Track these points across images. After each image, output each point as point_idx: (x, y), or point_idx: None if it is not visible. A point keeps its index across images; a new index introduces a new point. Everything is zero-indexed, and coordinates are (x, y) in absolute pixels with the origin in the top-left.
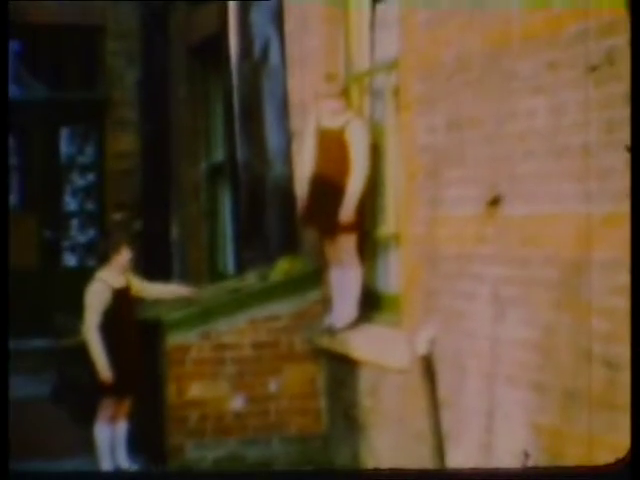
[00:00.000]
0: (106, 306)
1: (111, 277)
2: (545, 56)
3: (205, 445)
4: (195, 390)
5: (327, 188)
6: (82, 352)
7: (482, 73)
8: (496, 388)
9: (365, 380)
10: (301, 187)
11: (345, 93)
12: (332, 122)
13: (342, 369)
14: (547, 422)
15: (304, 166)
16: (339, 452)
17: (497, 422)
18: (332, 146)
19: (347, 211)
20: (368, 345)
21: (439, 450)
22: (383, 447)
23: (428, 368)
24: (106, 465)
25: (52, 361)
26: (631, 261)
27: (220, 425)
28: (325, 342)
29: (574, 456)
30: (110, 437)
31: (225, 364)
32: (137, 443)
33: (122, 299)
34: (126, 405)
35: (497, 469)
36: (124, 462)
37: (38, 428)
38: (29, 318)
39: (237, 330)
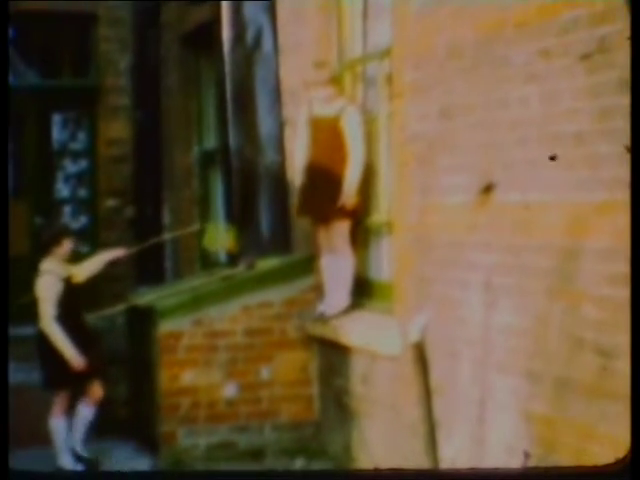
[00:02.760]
0: (59, 297)
1: (57, 268)
2: (538, 44)
3: (197, 432)
4: (187, 377)
5: (322, 176)
6: (41, 346)
7: (474, 61)
8: (488, 376)
9: (357, 367)
10: (295, 176)
11: (336, 80)
12: (325, 110)
13: (334, 356)
14: (539, 410)
15: (298, 155)
16: (331, 439)
17: (489, 410)
18: (326, 134)
19: (347, 198)
20: (360, 332)
21: (431, 437)
22: (375, 434)
23: (420, 355)
24: (64, 459)
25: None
26: (631, 252)
27: (212, 412)
28: (317, 329)
29: (566, 444)
30: (66, 429)
31: (217, 351)
32: (129, 430)
33: (69, 288)
34: (97, 390)
35: (496, 469)
36: (79, 448)
37: (29, 415)
38: (20, 305)
39: (229, 317)
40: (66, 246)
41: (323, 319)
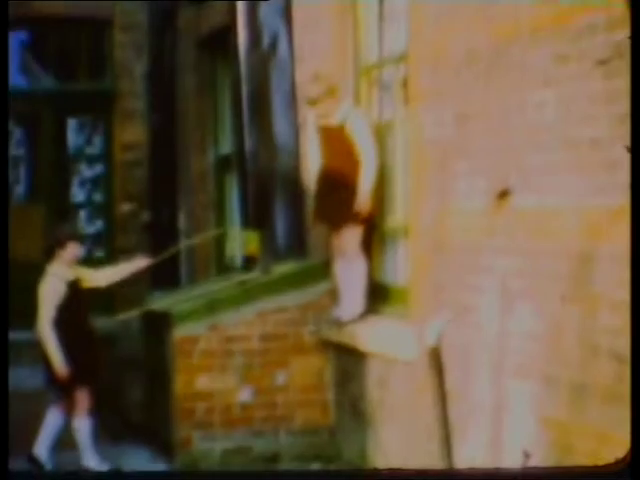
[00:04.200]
0: (60, 300)
1: (61, 271)
2: (554, 49)
3: (212, 437)
4: (203, 382)
5: (335, 184)
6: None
7: (491, 66)
8: (504, 380)
9: (373, 372)
10: (311, 185)
11: (334, 90)
12: (330, 120)
13: (350, 361)
14: (555, 415)
15: (311, 165)
16: (346, 444)
17: (505, 414)
18: (334, 143)
19: (363, 203)
20: (376, 337)
21: (447, 442)
22: (390, 439)
23: (436, 360)
24: (89, 458)
25: None
26: (631, 257)
27: (227, 417)
28: (333, 334)
29: (582, 449)
30: (90, 429)
31: (233, 356)
32: (145, 435)
33: (74, 292)
34: (85, 399)
35: (497, 469)
36: (90, 460)
37: (40, 420)
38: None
39: (245, 322)
40: (72, 250)
41: (339, 324)
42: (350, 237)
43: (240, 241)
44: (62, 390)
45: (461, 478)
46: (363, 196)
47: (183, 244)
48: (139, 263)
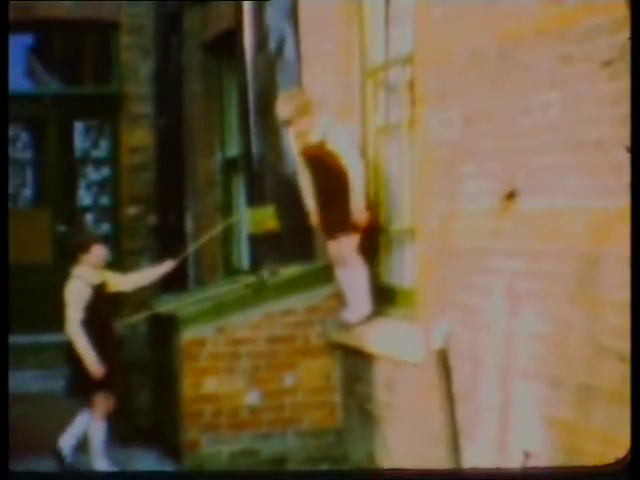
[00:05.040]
0: (86, 303)
1: (87, 274)
2: (559, 50)
3: (220, 440)
4: (210, 385)
5: (328, 197)
6: (68, 351)
7: (497, 67)
8: (511, 382)
9: (380, 374)
10: (308, 201)
11: (307, 107)
12: (309, 138)
13: (357, 363)
14: (562, 417)
15: (303, 181)
16: (354, 447)
17: (512, 416)
18: (319, 160)
19: (359, 211)
20: (383, 339)
21: (454, 444)
22: (398, 441)
23: (443, 362)
24: (100, 463)
25: (65, 355)
26: (631, 258)
27: (235, 420)
28: (340, 336)
29: (589, 451)
30: (104, 434)
31: (240, 359)
32: (152, 437)
33: (100, 295)
34: (104, 402)
35: (497, 469)
36: (101, 464)
37: (52, 423)
38: (42, 313)
39: (252, 325)
40: (96, 253)
41: (346, 327)
42: (347, 245)
43: (257, 218)
44: (87, 393)
45: (461, 478)
46: (357, 207)
47: (203, 238)
48: (165, 267)
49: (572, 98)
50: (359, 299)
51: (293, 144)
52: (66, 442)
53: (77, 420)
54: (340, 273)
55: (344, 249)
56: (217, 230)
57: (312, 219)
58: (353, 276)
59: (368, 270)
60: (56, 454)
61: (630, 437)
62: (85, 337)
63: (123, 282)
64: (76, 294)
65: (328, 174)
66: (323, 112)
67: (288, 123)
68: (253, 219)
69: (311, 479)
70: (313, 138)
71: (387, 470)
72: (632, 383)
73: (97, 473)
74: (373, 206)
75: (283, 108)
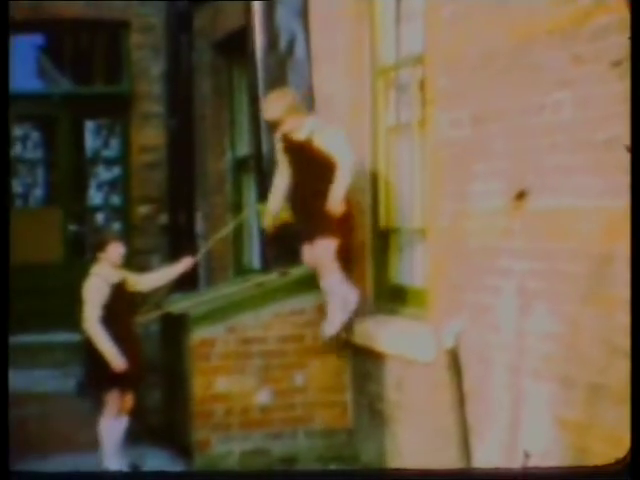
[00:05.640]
0: (104, 300)
1: (105, 272)
2: (570, 50)
3: (231, 439)
4: (221, 384)
5: (309, 199)
6: (86, 348)
7: (507, 66)
8: (522, 381)
9: (391, 374)
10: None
11: (294, 107)
12: (298, 135)
13: (368, 363)
14: (572, 416)
15: (278, 181)
16: (365, 446)
17: (523, 415)
18: (304, 159)
19: (335, 202)
20: (394, 339)
21: (465, 444)
22: (409, 441)
23: (454, 362)
24: (112, 462)
25: (77, 355)
26: (631, 259)
27: (246, 419)
28: (351, 335)
29: (599, 451)
30: (117, 432)
31: (251, 358)
32: (163, 437)
33: (119, 293)
34: (128, 400)
35: (497, 469)
36: (112, 463)
37: (63, 422)
38: (54, 312)
39: (262, 324)
40: (112, 251)
41: (325, 338)
42: (323, 250)
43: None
44: (101, 390)
45: (462, 478)
46: (336, 195)
47: (217, 235)
48: (181, 266)
49: (582, 97)
50: (333, 309)
51: (278, 144)
52: (109, 458)
53: (103, 431)
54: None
55: (320, 254)
56: (231, 227)
57: (266, 222)
58: (329, 284)
59: (344, 278)
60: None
61: (630, 437)
62: (104, 333)
63: (142, 282)
64: (94, 291)
65: (311, 174)
66: (309, 112)
67: (276, 123)
68: (266, 214)
69: (312, 479)
70: (300, 135)
71: (388, 470)
72: (632, 383)
73: (98, 473)
74: (343, 216)
75: (270, 108)
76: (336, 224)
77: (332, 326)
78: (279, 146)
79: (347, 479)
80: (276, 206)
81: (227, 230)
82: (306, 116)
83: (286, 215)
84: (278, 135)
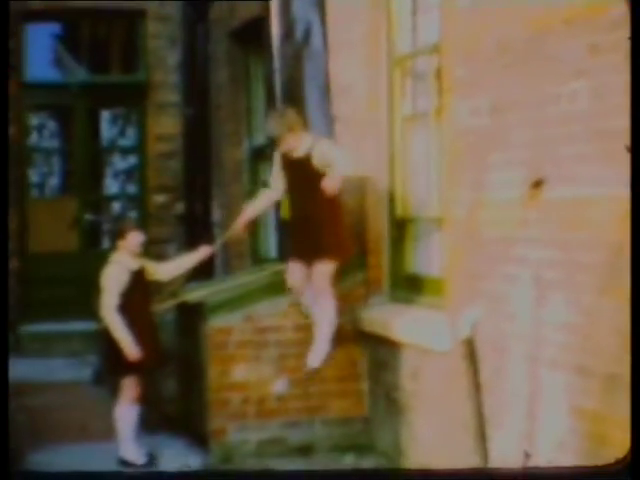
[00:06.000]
0: (123, 288)
1: (124, 260)
2: (586, 39)
3: (247, 428)
4: (237, 373)
5: (306, 219)
6: (104, 336)
7: (524, 56)
8: (538, 371)
9: (407, 363)
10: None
11: (296, 127)
12: (297, 153)
13: (384, 352)
14: (589, 406)
15: (268, 195)
16: (381, 435)
17: (539, 405)
18: (301, 176)
19: (331, 184)
20: (410, 328)
21: (480, 433)
22: (424, 430)
23: (470, 351)
24: (128, 449)
25: (93, 344)
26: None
27: (262, 408)
28: (367, 324)
29: (616, 440)
30: (132, 419)
31: (267, 347)
32: (180, 426)
33: (137, 281)
34: (134, 387)
35: (498, 469)
36: (128, 451)
37: (80, 411)
38: (70, 301)
39: (279, 313)
40: (131, 240)
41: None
42: (321, 273)
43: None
44: (118, 376)
45: (462, 478)
46: (332, 178)
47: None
48: (199, 255)
49: (599, 87)
50: (321, 339)
51: (277, 161)
52: (126, 448)
53: (119, 419)
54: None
55: (318, 279)
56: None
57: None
58: (320, 310)
59: (336, 306)
60: (125, 463)
61: (630, 437)
62: (121, 321)
63: (160, 271)
64: (113, 279)
65: (309, 194)
66: (307, 133)
67: (276, 140)
68: (286, 204)
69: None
70: (299, 153)
71: (388, 470)
72: (632, 382)
73: (98, 473)
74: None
75: (271, 127)
76: (334, 246)
77: (318, 357)
78: (278, 162)
79: (347, 479)
80: (252, 214)
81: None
82: (305, 134)
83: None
84: (278, 152)
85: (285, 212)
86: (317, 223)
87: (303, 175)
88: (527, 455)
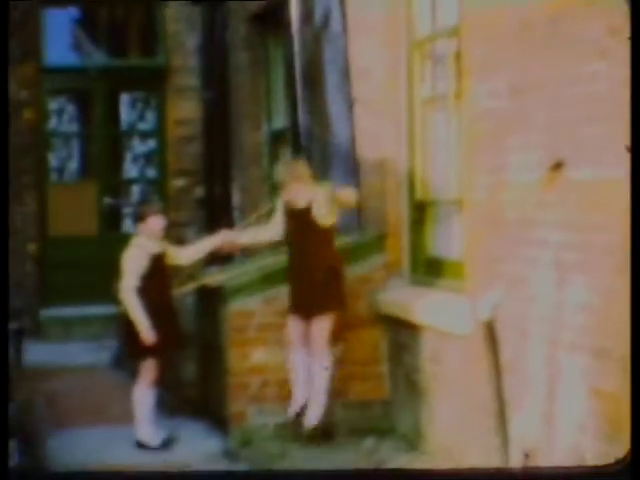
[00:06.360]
0: (143, 271)
1: (146, 243)
2: (607, 21)
3: (267, 411)
4: (257, 356)
5: (307, 270)
6: (124, 319)
7: (544, 37)
8: (558, 353)
9: (427, 346)
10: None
11: (303, 177)
12: (297, 203)
13: (405, 334)
14: (609, 388)
15: (264, 233)
16: (401, 418)
17: (559, 387)
18: (301, 226)
19: (348, 193)
20: (430, 311)
21: (501, 415)
22: (445, 412)
23: (490, 334)
24: (145, 432)
25: (113, 328)
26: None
27: (282, 391)
28: (388, 308)
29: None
30: (150, 402)
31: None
32: (199, 409)
33: (157, 265)
34: (153, 370)
35: (498, 469)
36: (146, 434)
37: (99, 394)
38: (89, 285)
39: None
40: (152, 223)
41: (298, 427)
42: (319, 329)
43: None
44: (138, 358)
45: (462, 478)
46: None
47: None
48: (219, 238)
49: (620, 69)
50: (317, 396)
51: (280, 208)
52: (142, 430)
53: (137, 400)
54: (298, 358)
55: (315, 333)
56: (269, 207)
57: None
58: (315, 367)
59: (332, 360)
60: (142, 445)
61: (630, 437)
62: (140, 304)
63: (181, 256)
64: (133, 261)
65: (309, 246)
66: (313, 183)
67: (281, 186)
68: None
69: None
70: (301, 203)
71: (388, 470)
72: (632, 381)
73: (99, 473)
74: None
75: (280, 171)
76: (333, 300)
77: (316, 415)
78: (280, 209)
79: (348, 479)
80: (252, 239)
81: (265, 210)
82: (311, 187)
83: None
84: (282, 200)
85: None
86: (316, 276)
87: (304, 226)
88: (527, 455)
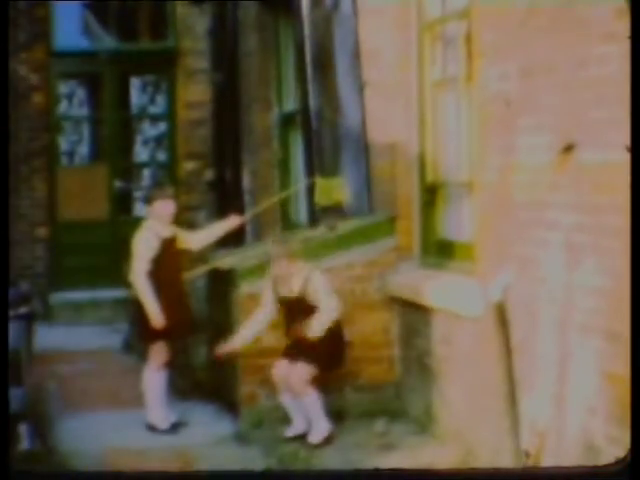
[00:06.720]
0: (153, 254)
1: (155, 227)
2: (616, 2)
3: (277, 394)
4: (268, 339)
5: (299, 343)
6: (136, 302)
7: (554, 20)
8: (569, 335)
9: (438, 328)
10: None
11: (295, 255)
12: (289, 288)
13: (415, 317)
14: (619, 370)
15: (262, 317)
16: (412, 400)
17: (569, 370)
18: (295, 310)
19: (312, 330)
20: (441, 293)
21: (511, 397)
22: (456, 395)
23: (501, 316)
24: (155, 415)
25: (123, 311)
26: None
27: None
28: (399, 290)
29: None
30: (161, 384)
31: None
32: (211, 392)
33: (168, 248)
34: (163, 353)
35: (497, 469)
36: (156, 417)
37: (110, 378)
38: (100, 269)
39: None
40: (160, 208)
41: (304, 447)
42: (298, 373)
43: (325, 189)
44: (148, 341)
45: (462, 478)
46: (315, 327)
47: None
48: (230, 223)
49: (628, 51)
50: (317, 420)
51: (269, 287)
52: (153, 412)
53: (148, 384)
54: (288, 400)
55: (295, 377)
56: (280, 197)
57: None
58: (305, 404)
59: (321, 399)
60: (152, 428)
61: (630, 437)
62: (150, 287)
63: (190, 240)
64: (144, 245)
65: (298, 323)
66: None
67: (273, 260)
68: (321, 190)
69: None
70: (292, 290)
71: (387, 470)
72: (632, 381)
73: (99, 473)
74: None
75: (272, 247)
76: (324, 363)
77: (320, 435)
78: (270, 293)
79: (348, 479)
80: (250, 336)
81: (276, 200)
82: (301, 265)
83: (340, 195)
84: (271, 277)
85: (319, 198)
86: (311, 350)
87: (297, 310)
88: (527, 455)
